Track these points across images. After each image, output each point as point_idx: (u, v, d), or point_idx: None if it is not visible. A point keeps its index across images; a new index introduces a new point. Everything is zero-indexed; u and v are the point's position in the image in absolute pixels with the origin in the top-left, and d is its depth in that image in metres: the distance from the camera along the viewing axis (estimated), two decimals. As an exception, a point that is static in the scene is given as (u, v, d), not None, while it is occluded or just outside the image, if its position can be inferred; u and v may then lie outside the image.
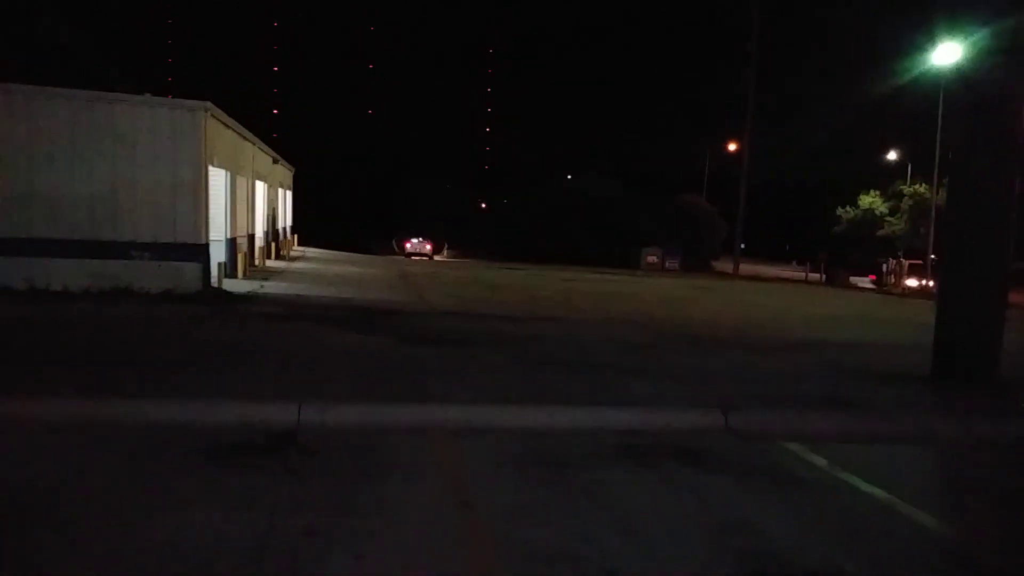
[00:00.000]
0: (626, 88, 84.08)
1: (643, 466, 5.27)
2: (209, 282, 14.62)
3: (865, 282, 36.89)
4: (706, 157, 53.87)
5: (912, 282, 33.87)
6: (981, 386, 8.60)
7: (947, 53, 9.39)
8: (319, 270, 24.03)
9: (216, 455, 5.05)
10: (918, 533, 4.33)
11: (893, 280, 35.07)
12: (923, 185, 41.60)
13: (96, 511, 4.10)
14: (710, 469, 5.23)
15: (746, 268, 42.86)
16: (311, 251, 36.45)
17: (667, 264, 42.19)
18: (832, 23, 56.28)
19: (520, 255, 42.34)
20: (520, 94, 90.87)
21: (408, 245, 47.69)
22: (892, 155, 47.38)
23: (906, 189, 45.13)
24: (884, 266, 36.57)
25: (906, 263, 35.10)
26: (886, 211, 48.60)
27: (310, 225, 44.76)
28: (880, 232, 47.79)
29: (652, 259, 42.50)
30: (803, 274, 40.17)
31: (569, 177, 56.25)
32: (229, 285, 15.97)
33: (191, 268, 14.35)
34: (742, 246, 45.23)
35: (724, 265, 45.43)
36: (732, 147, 49.32)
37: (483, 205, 58.67)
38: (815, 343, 12.04)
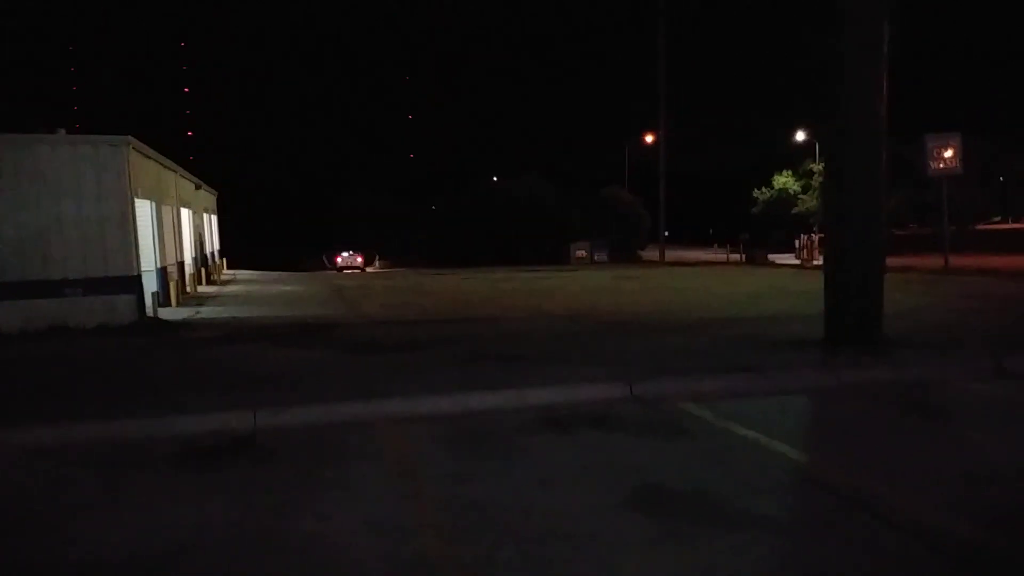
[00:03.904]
0: (545, 86, 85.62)
1: (558, 433, 6.15)
2: (144, 312, 14.93)
3: (783, 259, 38.78)
4: (626, 150, 55.58)
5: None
6: (865, 346, 9.41)
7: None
8: (252, 292, 24.28)
9: (184, 461, 5.73)
10: (778, 461, 5.32)
11: (806, 255, 37.01)
12: (829, 162, 43.83)
13: (90, 509, 4.77)
14: (614, 429, 6.16)
15: (672, 254, 44.48)
16: (242, 274, 36.38)
17: (596, 257, 43.53)
18: (742, 7, 58.73)
19: (452, 260, 43.03)
20: (440, 100, 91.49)
21: (339, 259, 47.87)
22: (801, 135, 49.75)
23: (815, 167, 47.53)
24: (796, 242, 38.51)
25: (816, 238, 37.10)
26: (799, 189, 51.08)
27: (239, 248, 44.54)
28: (795, 210, 50.19)
29: (581, 253, 43.79)
30: (724, 256, 41.96)
31: (495, 179, 57.21)
32: (165, 314, 16.26)
33: (125, 300, 14.64)
34: (666, 233, 46.91)
35: (651, 253, 47.03)
36: (649, 139, 51.00)
37: (410, 213, 59.03)
38: (727, 320, 13.11)
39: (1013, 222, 46.31)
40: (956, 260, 24.48)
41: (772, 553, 3.92)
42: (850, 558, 3.81)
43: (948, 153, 23.21)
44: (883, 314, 9.87)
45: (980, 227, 45.08)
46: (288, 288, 25.85)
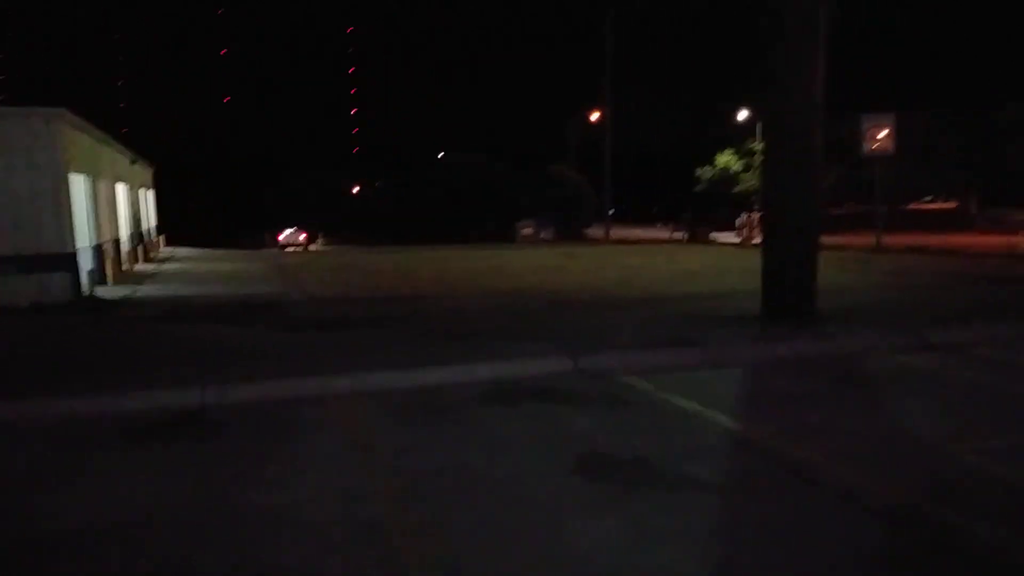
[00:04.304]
0: (491, 63, 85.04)
1: (505, 405, 6.31)
2: (80, 291, 14.55)
3: (725, 237, 39.63)
4: (571, 128, 55.79)
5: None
6: (800, 320, 9.82)
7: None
8: (192, 269, 23.80)
9: (135, 437, 5.73)
10: (712, 428, 5.60)
11: (747, 233, 37.93)
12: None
13: (45, 485, 4.76)
14: (559, 401, 6.35)
15: (617, 232, 45.02)
16: (181, 251, 35.56)
17: (541, 235, 43.80)
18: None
19: (397, 238, 42.77)
20: (384, 73, 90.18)
21: (281, 237, 47.14)
22: (744, 114, 50.58)
23: (756, 147, 48.47)
24: (737, 220, 39.38)
25: (756, 217, 38.00)
26: (740, 168, 52.08)
27: (178, 225, 43.43)
28: (737, 189, 51.18)
29: (527, 231, 44.00)
30: (668, 234, 42.71)
31: (441, 155, 56.82)
32: (101, 292, 15.86)
33: (60, 278, 14.24)
34: (612, 212, 47.42)
35: (596, 232, 47.50)
36: (595, 117, 51.27)
37: (355, 190, 58.31)
38: (669, 296, 13.43)
39: (945, 201, 48.09)
40: (890, 239, 25.42)
41: (701, 510, 4.18)
42: (771, 512, 4.09)
43: (882, 133, 23.98)
44: (817, 290, 10.26)
45: (915, 206, 46.75)
46: (229, 266, 25.40)
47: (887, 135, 23.87)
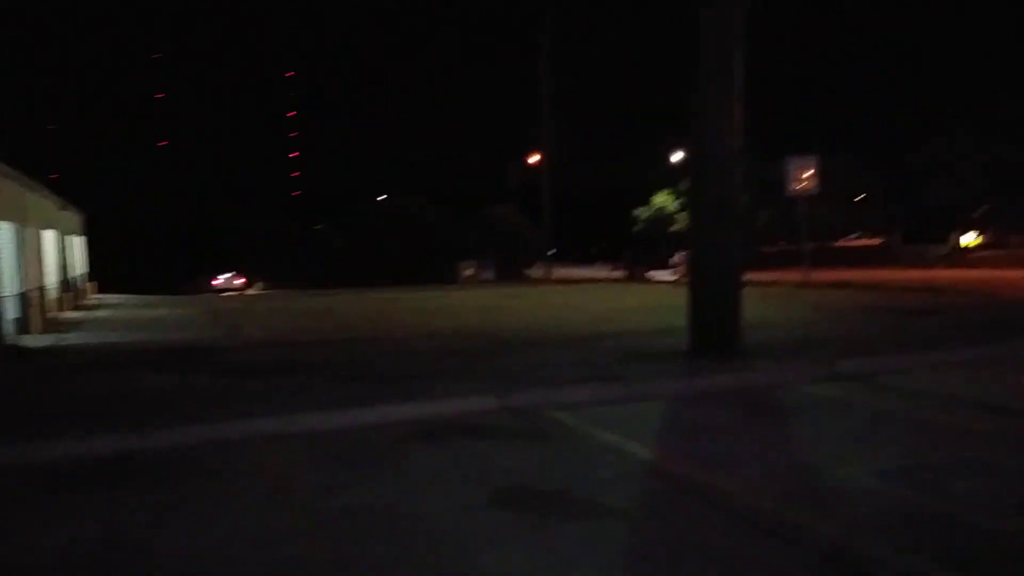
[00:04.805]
0: (430, 106, 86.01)
1: (432, 443, 6.44)
2: (4, 339, 14.14)
3: (662, 276, 40.51)
4: (511, 171, 56.68)
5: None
6: (724, 355, 10.14)
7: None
8: (124, 316, 23.26)
9: (54, 484, 5.69)
10: (629, 458, 5.84)
11: (682, 272, 38.87)
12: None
13: None
14: (484, 437, 6.53)
15: (558, 272, 45.62)
16: (112, 298, 34.65)
17: (483, 276, 44.10)
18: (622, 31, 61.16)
19: (338, 281, 42.49)
20: (325, 117, 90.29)
21: (216, 282, 46.41)
22: (679, 156, 52.10)
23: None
24: (672, 259, 40.34)
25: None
26: (676, 208, 53.51)
27: (111, 271, 42.36)
28: (673, 228, 52.52)
29: (468, 272, 44.26)
30: (607, 273, 43.47)
31: (383, 198, 56.97)
32: (26, 341, 15.43)
33: (-17, 326, 13.83)
34: (552, 252, 48.10)
35: (538, 271, 48.04)
36: (534, 159, 52.20)
37: (294, 234, 57.87)
38: (602, 334, 13.71)
39: (871, 238, 50.24)
40: (817, 275, 26.47)
41: (613, 535, 4.40)
42: (679, 536, 4.33)
43: (806, 174, 25.11)
44: (742, 326, 10.65)
45: (841, 243, 48.66)
46: (163, 312, 24.91)
47: (811, 175, 25.00)
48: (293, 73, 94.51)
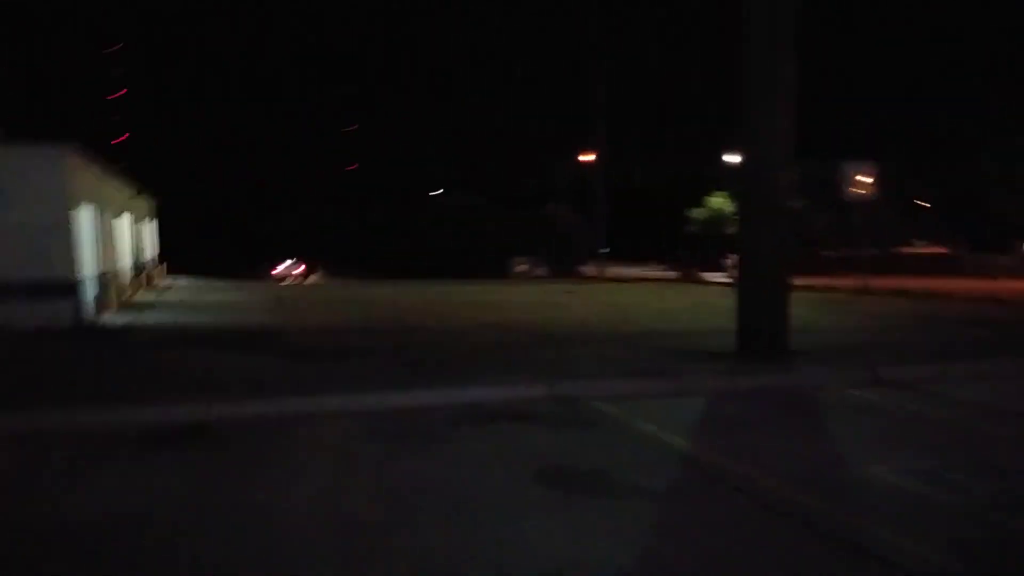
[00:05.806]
0: (492, 104, 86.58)
1: (481, 426, 6.89)
2: (85, 317, 15.12)
3: (716, 277, 40.28)
4: (564, 169, 57.02)
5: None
6: (771, 357, 10.32)
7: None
8: (192, 299, 24.38)
9: (148, 445, 6.39)
10: (666, 447, 6.20)
11: (735, 274, 38.56)
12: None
13: (68, 482, 5.35)
14: (532, 423, 6.95)
15: (611, 270, 45.73)
16: (181, 281, 36.15)
17: (536, 272, 44.55)
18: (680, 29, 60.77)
19: (393, 273, 43.38)
20: (387, 109, 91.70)
21: (280, 269, 47.79)
22: (737, 158, 51.54)
23: (747, 190, 49.38)
24: (724, 262, 40.08)
25: (745, 258, 38.64)
26: (732, 211, 53.02)
27: (179, 255, 44.06)
28: (729, 230, 52.05)
29: (522, 268, 44.78)
30: (660, 273, 43.43)
31: (441, 191, 57.88)
32: (105, 319, 16.44)
33: (65, 305, 14.84)
34: (607, 250, 48.23)
35: (590, 269, 48.22)
36: (588, 157, 52.33)
37: (353, 225, 59.13)
38: (653, 332, 13.96)
39: (934, 246, 48.96)
40: (877, 282, 26.10)
41: (642, 511, 4.81)
42: (702, 515, 4.72)
43: (863, 179, 24.82)
44: (791, 329, 10.78)
45: (905, 251, 47.58)
46: (228, 296, 25.98)
47: (868, 181, 24.70)
48: (355, 66, 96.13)
